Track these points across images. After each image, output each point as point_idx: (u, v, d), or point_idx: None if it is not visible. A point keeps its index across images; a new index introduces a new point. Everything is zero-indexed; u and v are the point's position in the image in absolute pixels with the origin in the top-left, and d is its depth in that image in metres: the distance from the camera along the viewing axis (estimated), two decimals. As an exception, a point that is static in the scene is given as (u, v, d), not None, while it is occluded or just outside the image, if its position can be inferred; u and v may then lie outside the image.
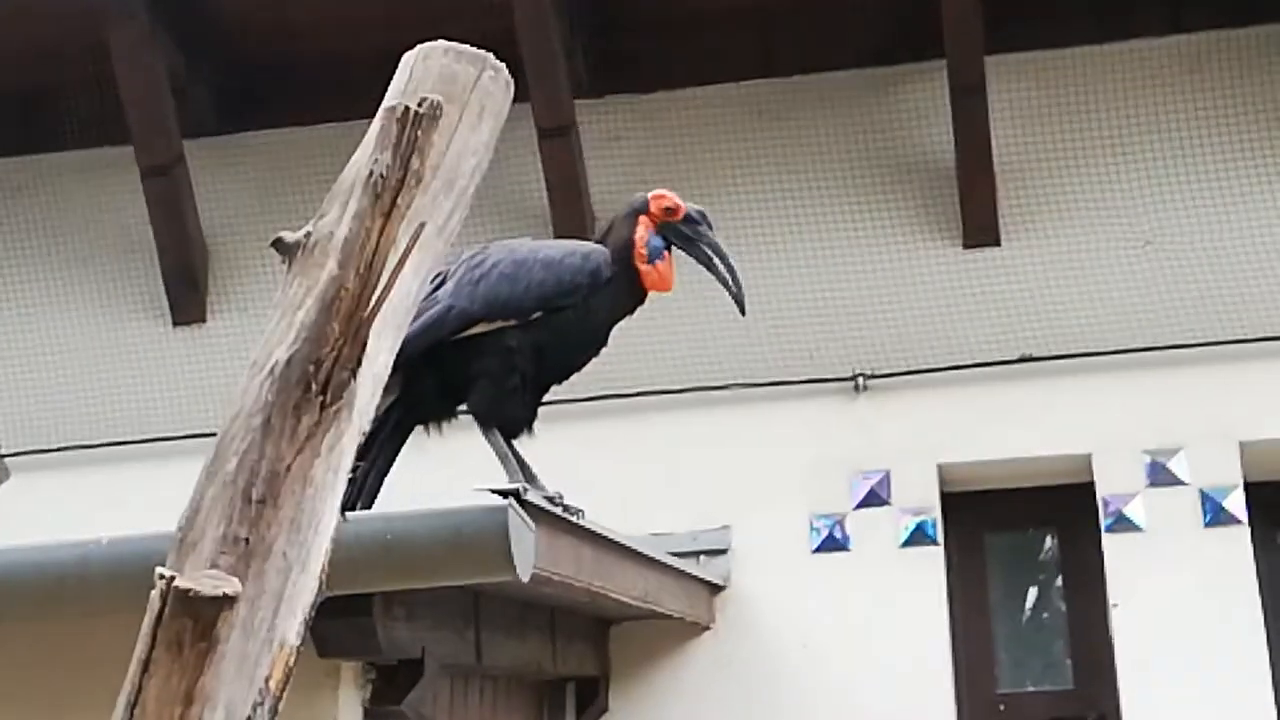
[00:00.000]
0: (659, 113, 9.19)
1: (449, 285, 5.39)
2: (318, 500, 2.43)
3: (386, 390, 5.36)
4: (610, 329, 5.57)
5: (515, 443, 5.43)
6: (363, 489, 5.24)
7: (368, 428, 2.54)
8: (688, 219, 5.61)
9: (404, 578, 4.77)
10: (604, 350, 5.66)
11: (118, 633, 2.72)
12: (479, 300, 5.33)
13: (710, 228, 5.68)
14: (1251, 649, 7.86)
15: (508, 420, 5.32)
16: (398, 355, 5.27)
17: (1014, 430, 8.38)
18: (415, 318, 5.29)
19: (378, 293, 2.48)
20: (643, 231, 5.52)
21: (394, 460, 5.48)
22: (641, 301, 5.57)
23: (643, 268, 5.48)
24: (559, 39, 8.73)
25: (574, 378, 5.70)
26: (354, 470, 5.26)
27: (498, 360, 5.30)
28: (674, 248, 5.60)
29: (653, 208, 5.55)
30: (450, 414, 5.51)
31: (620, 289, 5.46)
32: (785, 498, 8.42)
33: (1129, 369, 8.34)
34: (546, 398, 5.58)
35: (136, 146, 9.20)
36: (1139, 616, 8.01)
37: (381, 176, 2.49)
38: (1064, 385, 8.40)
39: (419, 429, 5.55)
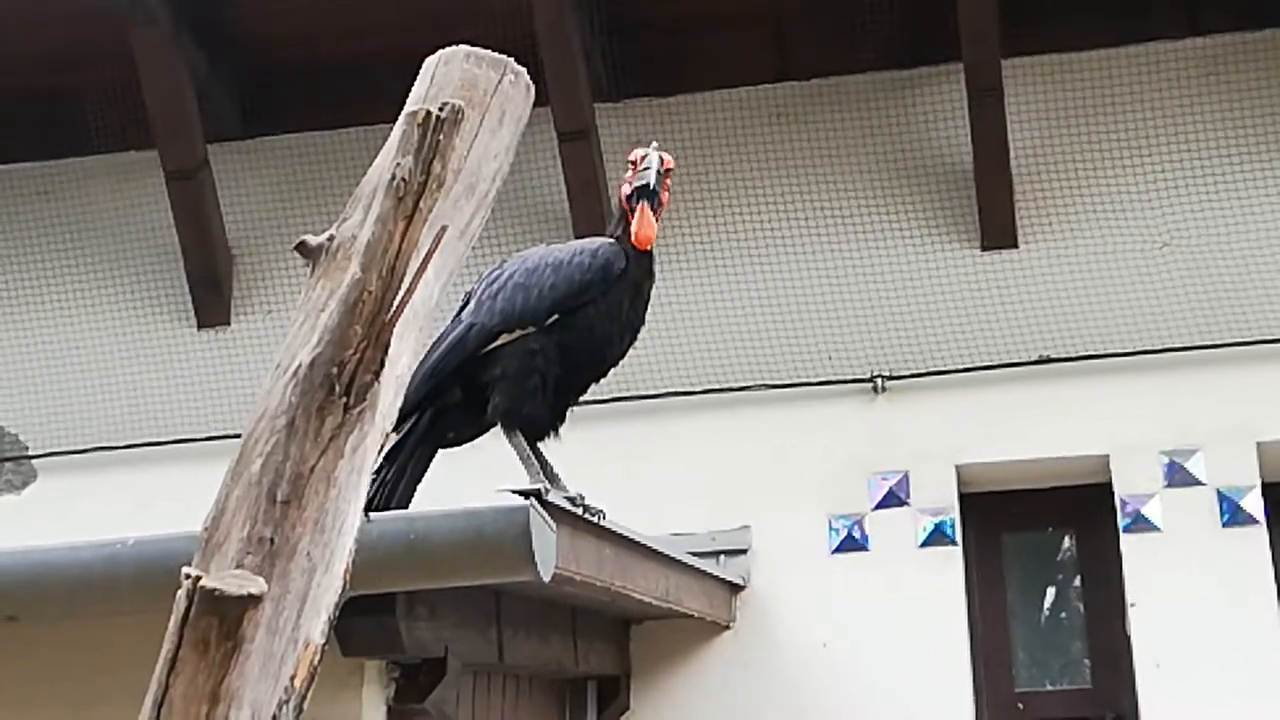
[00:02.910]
0: (678, 116, 9.20)
1: (471, 305, 5.46)
2: (341, 500, 2.44)
3: (418, 406, 5.46)
4: (643, 309, 5.58)
5: (540, 445, 5.47)
6: (392, 493, 5.29)
7: (393, 433, 2.55)
8: (643, 159, 5.53)
9: (427, 577, 4.79)
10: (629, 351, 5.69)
11: (144, 632, 2.74)
12: (496, 314, 5.37)
13: (655, 151, 5.52)
14: (1268, 648, 7.85)
15: (528, 421, 5.33)
16: (428, 380, 5.35)
17: (1032, 431, 8.38)
18: (440, 341, 5.40)
19: (400, 295, 2.50)
20: (622, 194, 5.53)
21: (425, 469, 5.53)
22: (650, 264, 5.54)
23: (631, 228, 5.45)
24: (578, 43, 8.74)
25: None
26: (381, 473, 5.34)
27: (518, 362, 5.32)
28: (646, 198, 5.47)
29: (629, 171, 5.54)
30: (481, 427, 5.53)
31: (635, 264, 5.45)
32: (804, 498, 8.43)
33: (1146, 370, 8.34)
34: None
35: (161, 150, 9.23)
36: (1156, 616, 8.01)
37: (404, 180, 2.51)
38: (1082, 386, 8.40)
39: (453, 446, 5.62)
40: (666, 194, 5.55)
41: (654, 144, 5.60)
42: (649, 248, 5.51)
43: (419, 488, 5.47)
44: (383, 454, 5.39)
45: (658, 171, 5.46)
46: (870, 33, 8.97)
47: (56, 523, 8.31)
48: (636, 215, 5.44)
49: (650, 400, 8.71)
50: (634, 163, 5.53)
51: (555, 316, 5.35)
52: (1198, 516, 8.10)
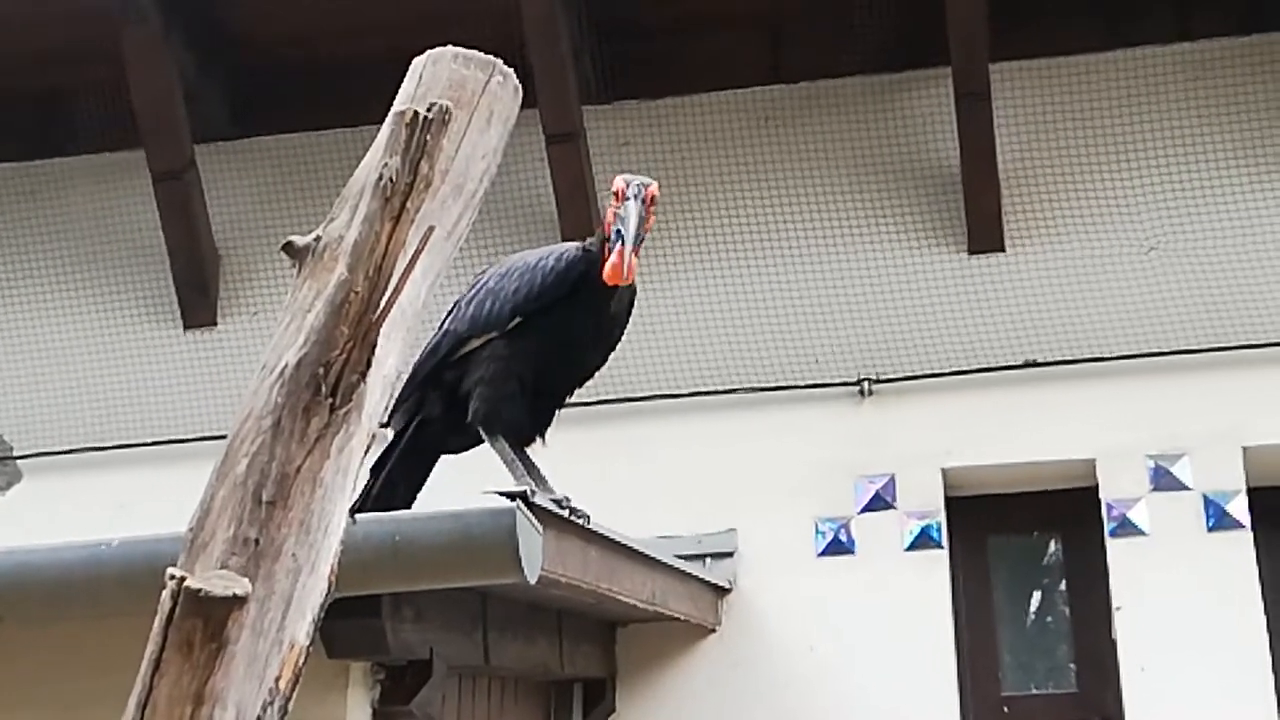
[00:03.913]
0: (667, 118, 9.21)
1: (452, 312, 5.50)
2: (327, 502, 2.44)
3: (405, 417, 5.50)
4: (618, 319, 5.50)
5: (528, 450, 5.48)
6: (390, 498, 5.34)
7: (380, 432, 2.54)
8: (624, 203, 5.21)
9: (412, 579, 4.79)
10: (611, 355, 5.66)
11: (129, 633, 2.73)
12: (466, 320, 5.41)
13: (636, 199, 5.18)
14: (1254, 653, 7.85)
15: (508, 425, 5.33)
16: (405, 385, 5.37)
17: (1018, 435, 8.39)
18: (424, 349, 5.43)
19: (387, 296, 2.49)
20: (607, 222, 5.26)
21: (425, 475, 5.57)
22: (610, 295, 5.34)
23: (604, 264, 5.19)
24: (567, 45, 8.73)
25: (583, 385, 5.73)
26: (369, 487, 5.40)
27: (491, 368, 5.33)
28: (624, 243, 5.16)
29: (613, 199, 5.25)
30: (471, 437, 5.51)
31: (603, 286, 5.28)
32: (791, 501, 8.43)
33: (1133, 374, 8.35)
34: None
35: (148, 151, 9.22)
36: (1142, 620, 8.02)
37: (391, 180, 2.51)
38: (1068, 390, 8.41)
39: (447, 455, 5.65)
40: (652, 219, 5.28)
41: (638, 182, 5.25)
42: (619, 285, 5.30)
43: (418, 495, 5.54)
44: (370, 467, 5.47)
45: (638, 220, 5.16)
46: (859, 36, 8.97)
47: (42, 523, 8.31)
48: (613, 255, 5.16)
49: (637, 403, 8.71)
50: (617, 194, 5.23)
51: (518, 319, 5.34)
52: (1184, 521, 8.10)
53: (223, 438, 2.48)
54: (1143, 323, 8.45)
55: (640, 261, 5.43)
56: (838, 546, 8.36)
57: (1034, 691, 8.67)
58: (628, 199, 5.21)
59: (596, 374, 5.69)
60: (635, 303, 5.57)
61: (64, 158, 9.80)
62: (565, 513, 5.19)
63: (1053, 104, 8.91)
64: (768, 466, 8.52)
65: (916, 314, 8.73)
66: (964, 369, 8.55)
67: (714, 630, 8.29)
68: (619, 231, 5.20)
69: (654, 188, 5.27)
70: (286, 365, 2.46)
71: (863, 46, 9.02)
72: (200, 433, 8.92)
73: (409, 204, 2.52)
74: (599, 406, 8.30)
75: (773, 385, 8.73)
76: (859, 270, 8.84)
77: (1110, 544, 8.18)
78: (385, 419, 2.92)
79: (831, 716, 8.11)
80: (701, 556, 8.31)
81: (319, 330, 2.47)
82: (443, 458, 5.67)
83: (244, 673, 2.26)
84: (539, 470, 5.38)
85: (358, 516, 4.20)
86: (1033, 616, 8.89)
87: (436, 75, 2.90)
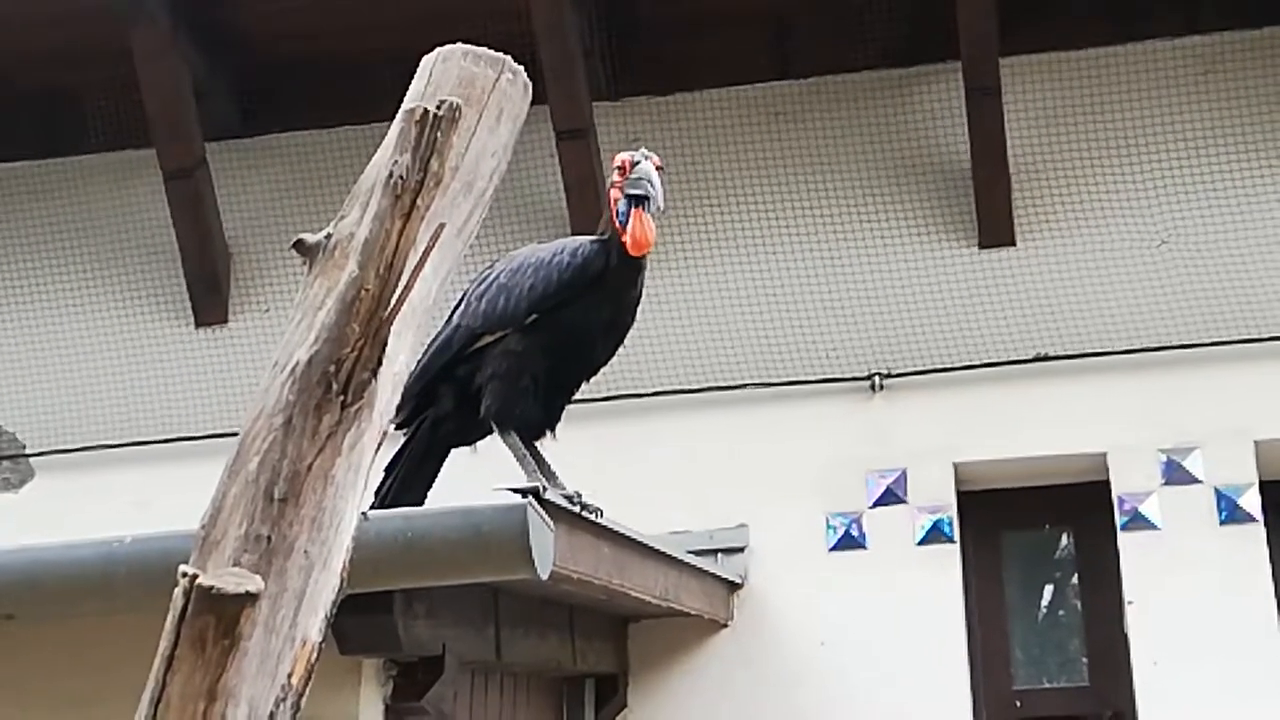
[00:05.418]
0: (676, 115, 9.20)
1: (461, 306, 5.49)
2: (339, 498, 2.44)
3: (415, 413, 5.53)
4: (629, 309, 5.52)
5: (538, 445, 5.49)
6: (403, 493, 5.36)
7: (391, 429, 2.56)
8: (634, 167, 5.32)
9: (424, 575, 4.79)
10: (620, 351, 5.67)
11: (141, 630, 2.74)
12: (480, 316, 5.41)
13: (647, 159, 5.31)
14: (1266, 646, 7.84)
15: (522, 421, 5.35)
16: (418, 380, 5.41)
17: (1030, 429, 8.38)
18: (433, 343, 5.45)
19: (397, 293, 2.50)
20: (613, 199, 5.35)
21: (437, 471, 5.59)
22: (638, 268, 5.41)
23: (623, 237, 5.29)
24: (577, 42, 8.74)
25: (593, 378, 5.74)
26: (386, 484, 5.43)
27: (505, 364, 5.34)
28: (643, 204, 5.28)
29: (616, 175, 5.36)
30: (481, 430, 5.54)
31: (620, 266, 5.37)
32: (802, 496, 8.43)
33: (1144, 368, 8.34)
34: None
35: (159, 149, 9.22)
36: (1154, 614, 8.01)
37: (401, 178, 2.51)
38: (1079, 384, 8.40)
39: (456, 449, 5.67)
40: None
41: (641, 150, 5.41)
42: (645, 253, 5.42)
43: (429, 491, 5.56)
44: (385, 467, 5.50)
45: (652, 182, 5.28)
46: (868, 31, 8.96)
47: (54, 521, 8.30)
48: (632, 221, 5.27)
49: (648, 398, 8.71)
50: (621, 168, 5.34)
51: (535, 316, 5.35)
52: (1195, 514, 8.09)
53: (234, 435, 2.48)
54: (1154, 317, 8.44)
55: (649, 256, 5.47)
56: (849, 541, 8.36)
57: (1046, 685, 8.68)
58: (638, 162, 5.27)
59: (604, 367, 5.71)
60: (644, 295, 5.58)
61: (76, 156, 9.81)
62: (577, 509, 5.20)
63: (1063, 98, 8.90)
64: (779, 462, 8.52)
65: (927, 308, 8.72)
66: (975, 363, 8.54)
67: (726, 625, 8.29)
68: (631, 195, 5.26)
69: (657, 159, 5.34)
70: (298, 363, 2.47)
71: (872, 41, 9.01)
72: (212, 430, 8.94)
73: (419, 201, 2.52)
74: (610, 403, 8.31)
75: (783, 380, 8.72)
76: (869, 265, 8.84)
77: (1122, 538, 8.17)
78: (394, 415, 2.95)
79: (843, 711, 8.11)
80: (713, 552, 8.31)
81: (330, 328, 2.48)
82: (455, 453, 5.69)
83: (256, 669, 2.26)
84: (550, 466, 5.39)
85: (370, 513, 4.21)
86: (1044, 610, 8.89)
87: (446, 73, 2.91)
